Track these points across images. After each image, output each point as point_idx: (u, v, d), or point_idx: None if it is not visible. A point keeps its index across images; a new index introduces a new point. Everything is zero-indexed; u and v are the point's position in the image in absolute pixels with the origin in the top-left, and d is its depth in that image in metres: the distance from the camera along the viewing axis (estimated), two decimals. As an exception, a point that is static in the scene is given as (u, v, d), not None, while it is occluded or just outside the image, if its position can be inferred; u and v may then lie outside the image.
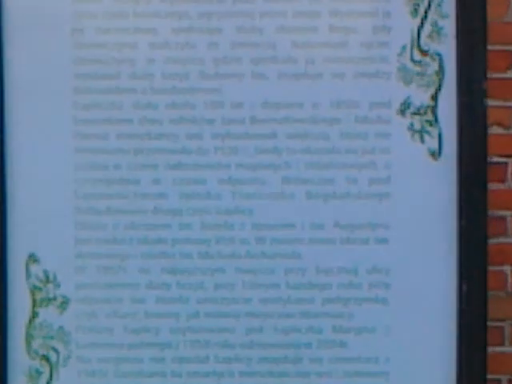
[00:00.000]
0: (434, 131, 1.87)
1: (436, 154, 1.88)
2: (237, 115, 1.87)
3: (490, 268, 1.86)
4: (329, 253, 1.88)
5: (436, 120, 1.87)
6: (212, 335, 1.89)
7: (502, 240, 1.88)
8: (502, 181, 1.87)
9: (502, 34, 1.86)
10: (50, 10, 1.86)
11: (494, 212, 1.86)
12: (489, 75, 1.85)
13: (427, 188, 1.88)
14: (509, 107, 1.87)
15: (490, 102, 1.85)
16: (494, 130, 1.86)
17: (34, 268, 1.89)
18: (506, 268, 1.88)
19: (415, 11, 1.86)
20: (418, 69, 1.87)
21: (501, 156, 1.87)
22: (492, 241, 1.86)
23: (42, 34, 1.86)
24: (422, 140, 1.88)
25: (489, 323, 1.86)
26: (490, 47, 1.84)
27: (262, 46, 1.85)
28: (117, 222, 1.88)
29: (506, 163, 1.87)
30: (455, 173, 1.86)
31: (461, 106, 1.85)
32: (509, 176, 1.88)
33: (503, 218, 1.88)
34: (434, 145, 1.88)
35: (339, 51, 1.85)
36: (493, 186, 1.86)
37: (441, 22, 1.87)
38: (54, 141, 1.87)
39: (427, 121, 1.87)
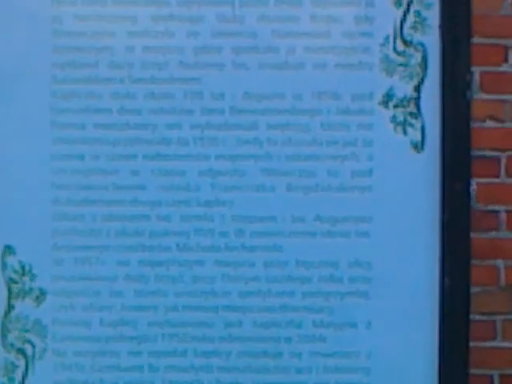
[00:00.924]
0: (417, 123, 1.85)
1: (419, 146, 1.86)
2: (217, 105, 1.84)
3: (483, 262, 1.85)
4: (309, 246, 1.85)
5: (419, 112, 1.85)
6: (190, 329, 1.86)
7: (494, 235, 1.87)
8: (496, 175, 1.86)
9: (496, 27, 1.84)
10: (28, -3, 1.84)
11: (487, 206, 1.85)
12: (483, 69, 1.84)
13: (410, 181, 1.86)
14: (502, 101, 1.86)
15: (484, 96, 1.84)
16: (488, 123, 1.85)
17: (9, 260, 1.86)
18: (499, 262, 1.87)
19: (399, 1, 1.84)
20: (401, 60, 1.85)
21: (494, 150, 1.86)
22: (485, 235, 1.85)
23: (20, 21, 1.83)
24: (405, 132, 1.86)
25: (481, 318, 1.85)
26: (484, 40, 1.83)
27: (243, 35, 1.83)
28: (94, 214, 1.85)
29: (499, 157, 1.86)
30: (438, 166, 1.84)
31: (444, 98, 1.83)
32: (502, 170, 1.86)
33: (496, 213, 1.87)
34: (417, 137, 1.86)
35: (321, 41, 1.83)
36: (486, 180, 1.85)
37: (424, 13, 1.84)
38: (31, 130, 1.83)
39: (410, 113, 1.85)
